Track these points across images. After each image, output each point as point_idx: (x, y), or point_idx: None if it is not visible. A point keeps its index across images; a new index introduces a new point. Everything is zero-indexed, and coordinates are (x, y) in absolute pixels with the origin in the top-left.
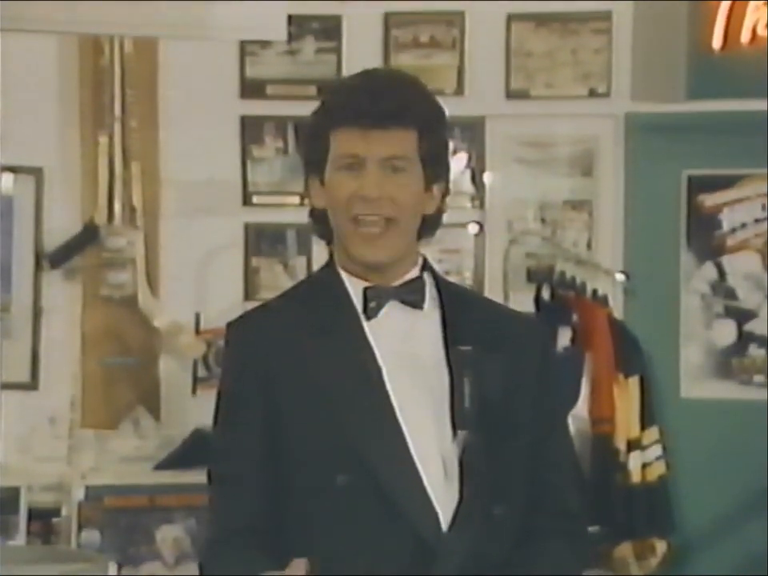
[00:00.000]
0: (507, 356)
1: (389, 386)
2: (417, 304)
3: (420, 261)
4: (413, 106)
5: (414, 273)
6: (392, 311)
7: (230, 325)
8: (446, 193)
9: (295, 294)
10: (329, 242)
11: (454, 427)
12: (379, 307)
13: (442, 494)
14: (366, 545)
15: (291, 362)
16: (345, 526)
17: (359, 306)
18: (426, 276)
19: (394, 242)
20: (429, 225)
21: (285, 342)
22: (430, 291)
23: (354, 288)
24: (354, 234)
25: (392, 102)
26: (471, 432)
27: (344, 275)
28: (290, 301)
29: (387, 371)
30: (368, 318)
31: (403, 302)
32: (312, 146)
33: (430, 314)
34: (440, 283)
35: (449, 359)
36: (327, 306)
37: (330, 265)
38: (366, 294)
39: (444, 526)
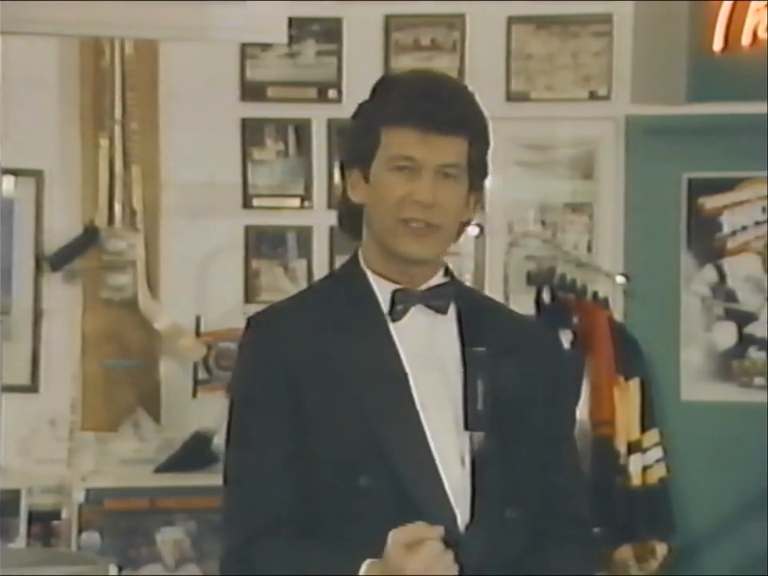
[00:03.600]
0: (522, 360)
1: (414, 389)
2: (442, 309)
3: (443, 266)
4: (469, 114)
5: (439, 278)
6: (416, 315)
7: (250, 319)
8: (478, 202)
9: (318, 291)
10: (356, 238)
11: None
12: (405, 310)
13: (462, 496)
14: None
15: (316, 359)
16: (365, 525)
17: (385, 308)
18: (449, 281)
19: (437, 241)
20: (458, 231)
21: (309, 338)
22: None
23: (381, 289)
24: (401, 232)
25: (453, 108)
26: (485, 434)
27: (370, 275)
28: (314, 297)
29: (412, 374)
30: (393, 321)
31: (428, 306)
32: (359, 139)
33: (449, 318)
34: (458, 288)
35: (464, 361)
36: (352, 306)
37: (354, 263)
38: (395, 297)
39: (462, 526)
